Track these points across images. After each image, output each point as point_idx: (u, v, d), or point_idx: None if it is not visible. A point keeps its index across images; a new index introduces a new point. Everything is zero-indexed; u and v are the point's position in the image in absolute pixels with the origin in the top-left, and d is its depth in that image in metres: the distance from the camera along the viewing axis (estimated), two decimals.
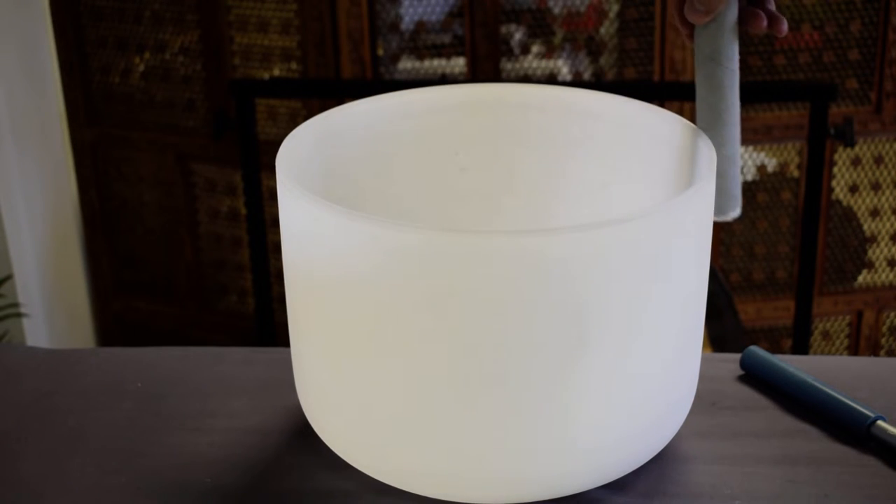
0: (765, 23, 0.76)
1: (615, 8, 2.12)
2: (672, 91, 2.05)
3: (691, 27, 0.78)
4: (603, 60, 2.14)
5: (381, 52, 2.15)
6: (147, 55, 2.26)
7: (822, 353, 2.28)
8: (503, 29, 2.12)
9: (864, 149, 2.17)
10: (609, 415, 0.70)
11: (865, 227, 2.23)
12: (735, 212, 0.79)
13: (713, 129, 0.78)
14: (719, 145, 0.77)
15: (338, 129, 0.84)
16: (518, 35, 2.14)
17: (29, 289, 2.22)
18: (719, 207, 0.78)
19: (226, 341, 2.34)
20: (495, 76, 2.13)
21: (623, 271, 0.67)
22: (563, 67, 2.16)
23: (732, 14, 0.77)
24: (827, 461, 0.77)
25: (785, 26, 0.77)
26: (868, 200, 2.22)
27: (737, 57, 0.78)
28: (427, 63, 2.18)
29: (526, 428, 0.69)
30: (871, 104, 2.14)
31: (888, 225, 2.24)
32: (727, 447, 0.79)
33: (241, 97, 1.99)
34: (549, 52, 2.15)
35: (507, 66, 2.15)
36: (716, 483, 0.75)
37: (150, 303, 2.45)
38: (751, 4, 0.78)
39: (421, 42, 2.15)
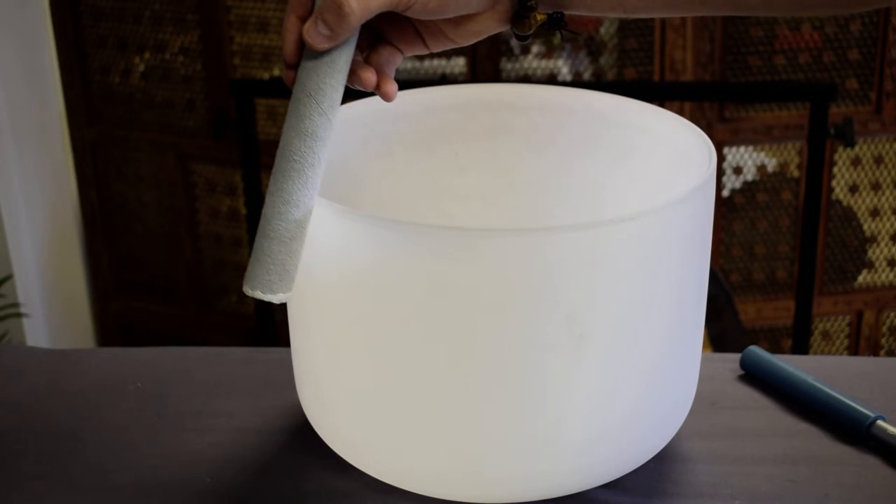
0: (374, 79, 0.70)
1: None
2: (672, 91, 2.05)
3: (299, 56, 0.68)
4: (603, 60, 2.14)
5: None
6: (147, 55, 2.26)
7: (822, 353, 2.28)
8: None
9: (864, 149, 2.17)
10: (609, 414, 0.70)
11: (865, 227, 2.23)
12: (287, 293, 0.67)
13: (287, 182, 0.66)
14: (288, 203, 0.66)
15: (338, 129, 0.84)
16: None
17: (29, 289, 2.22)
18: (265, 283, 0.66)
19: (226, 341, 2.34)
20: (495, 76, 2.13)
21: (622, 270, 0.67)
22: (564, 67, 2.16)
23: (347, 56, 0.68)
24: (827, 461, 0.77)
25: (393, 91, 0.71)
26: (868, 200, 2.22)
27: (338, 109, 0.68)
28: (427, 63, 2.18)
29: (525, 427, 0.69)
30: (871, 104, 2.14)
31: (888, 225, 2.24)
32: (727, 447, 0.79)
33: (241, 97, 1.99)
34: (549, 52, 2.15)
35: (507, 66, 2.14)
36: (716, 483, 0.75)
37: (150, 303, 2.45)
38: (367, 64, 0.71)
39: None
